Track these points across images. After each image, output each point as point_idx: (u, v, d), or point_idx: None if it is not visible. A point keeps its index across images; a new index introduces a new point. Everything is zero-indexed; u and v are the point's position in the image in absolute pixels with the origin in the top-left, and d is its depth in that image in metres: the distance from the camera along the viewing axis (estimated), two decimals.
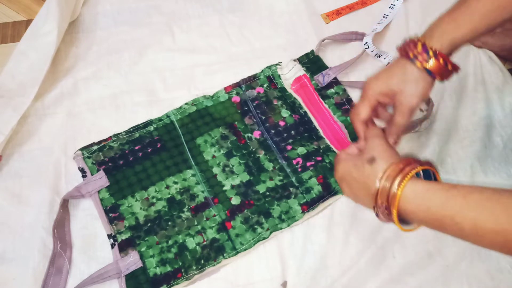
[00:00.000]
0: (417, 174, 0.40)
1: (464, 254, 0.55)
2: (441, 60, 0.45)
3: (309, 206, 0.57)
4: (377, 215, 0.41)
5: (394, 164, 0.40)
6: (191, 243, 0.55)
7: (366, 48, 0.67)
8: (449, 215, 0.36)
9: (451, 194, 0.36)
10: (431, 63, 0.45)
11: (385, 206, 0.40)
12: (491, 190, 0.35)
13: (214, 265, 0.54)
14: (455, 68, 0.46)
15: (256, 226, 0.56)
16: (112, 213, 0.56)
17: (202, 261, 0.54)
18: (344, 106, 0.64)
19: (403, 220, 0.40)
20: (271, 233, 0.55)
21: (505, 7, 0.44)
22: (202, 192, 0.58)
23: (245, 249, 0.55)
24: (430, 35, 0.45)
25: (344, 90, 0.65)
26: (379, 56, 0.67)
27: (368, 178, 0.41)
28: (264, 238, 0.55)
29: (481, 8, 0.44)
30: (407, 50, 0.46)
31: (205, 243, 0.55)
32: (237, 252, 0.54)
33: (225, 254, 0.54)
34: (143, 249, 0.54)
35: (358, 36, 0.69)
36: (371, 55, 0.68)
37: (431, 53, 0.44)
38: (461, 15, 0.45)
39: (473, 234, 0.35)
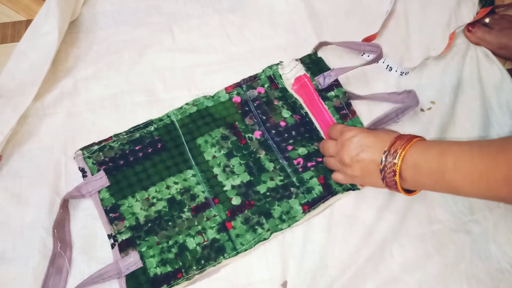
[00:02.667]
0: None
1: (464, 254, 0.56)
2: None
3: (310, 206, 0.57)
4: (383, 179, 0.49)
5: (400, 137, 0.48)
6: (191, 243, 0.55)
7: (362, 54, 0.68)
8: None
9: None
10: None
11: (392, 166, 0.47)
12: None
13: (214, 265, 0.54)
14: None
15: (256, 227, 0.56)
16: (112, 213, 0.56)
17: (203, 261, 0.54)
18: (343, 111, 0.63)
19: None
20: (271, 233, 0.55)
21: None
22: (203, 192, 0.58)
23: (246, 250, 0.55)
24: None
25: (344, 94, 0.64)
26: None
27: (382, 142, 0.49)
28: (265, 239, 0.55)
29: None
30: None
31: (205, 243, 0.55)
32: (238, 253, 0.55)
33: (225, 255, 0.54)
34: (143, 249, 0.54)
35: (355, 46, 0.69)
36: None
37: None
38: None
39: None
